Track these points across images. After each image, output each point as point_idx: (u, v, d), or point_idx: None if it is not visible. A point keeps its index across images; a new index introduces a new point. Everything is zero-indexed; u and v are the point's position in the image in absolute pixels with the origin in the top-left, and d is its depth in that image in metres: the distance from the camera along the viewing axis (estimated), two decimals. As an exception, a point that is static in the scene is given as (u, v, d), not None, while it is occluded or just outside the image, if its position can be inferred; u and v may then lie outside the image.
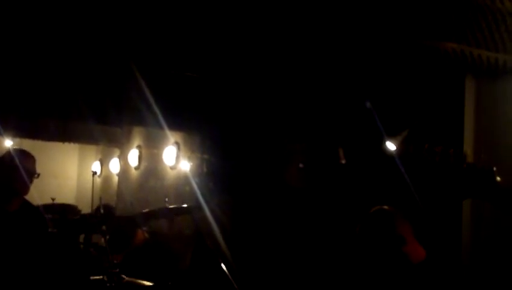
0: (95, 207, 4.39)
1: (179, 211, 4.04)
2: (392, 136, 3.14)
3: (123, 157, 7.64)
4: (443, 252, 3.22)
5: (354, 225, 2.75)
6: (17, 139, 7.09)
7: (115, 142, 7.84)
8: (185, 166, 5.60)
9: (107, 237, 3.61)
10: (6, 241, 3.23)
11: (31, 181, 3.39)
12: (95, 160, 9.34)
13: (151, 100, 5.19)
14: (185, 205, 4.28)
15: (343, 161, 4.17)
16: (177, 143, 5.96)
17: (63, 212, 5.79)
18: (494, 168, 2.08)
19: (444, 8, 3.17)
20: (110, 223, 3.86)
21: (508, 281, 3.23)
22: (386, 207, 2.70)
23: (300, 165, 4.76)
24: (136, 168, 7.09)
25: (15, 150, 3.49)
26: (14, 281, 3.16)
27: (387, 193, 3.52)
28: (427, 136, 3.46)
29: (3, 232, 3.25)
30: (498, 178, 2.07)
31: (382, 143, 3.43)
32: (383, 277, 2.58)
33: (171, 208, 4.09)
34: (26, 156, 3.43)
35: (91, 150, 9.48)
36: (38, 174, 3.42)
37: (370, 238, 2.64)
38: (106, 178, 8.73)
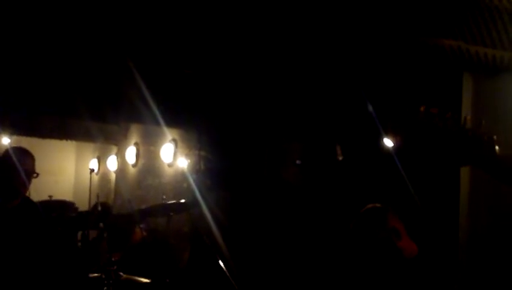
0: (92, 204, 4.40)
1: (176, 207, 4.04)
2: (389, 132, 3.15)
3: (120, 155, 7.64)
4: (439, 249, 3.23)
5: (347, 222, 2.77)
6: (15, 137, 7.07)
7: (113, 139, 7.83)
8: (183, 163, 5.60)
9: (105, 234, 3.61)
10: (4, 238, 3.21)
11: (30, 181, 3.35)
12: (93, 157, 9.33)
13: (149, 97, 5.19)
14: (182, 201, 4.28)
15: (340, 158, 4.17)
16: (174, 140, 5.96)
17: (60, 209, 5.78)
18: (495, 137, 2.06)
19: (442, 5, 3.18)
20: (108, 221, 3.86)
21: (505, 278, 3.24)
22: (378, 205, 2.74)
23: (298, 162, 4.77)
24: (134, 165, 7.08)
25: (14, 148, 3.44)
26: (13, 279, 3.15)
27: (383, 190, 3.53)
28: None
29: (1, 229, 3.22)
30: (497, 147, 2.06)
31: (379, 140, 3.44)
32: (377, 271, 2.59)
33: (169, 204, 4.09)
34: (25, 155, 3.36)
35: (88, 147, 9.46)
36: (37, 174, 3.38)
37: (364, 234, 2.66)
38: (104, 175, 8.72)
